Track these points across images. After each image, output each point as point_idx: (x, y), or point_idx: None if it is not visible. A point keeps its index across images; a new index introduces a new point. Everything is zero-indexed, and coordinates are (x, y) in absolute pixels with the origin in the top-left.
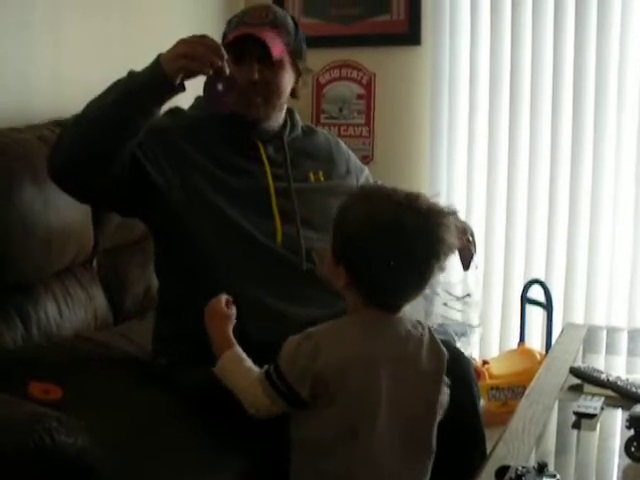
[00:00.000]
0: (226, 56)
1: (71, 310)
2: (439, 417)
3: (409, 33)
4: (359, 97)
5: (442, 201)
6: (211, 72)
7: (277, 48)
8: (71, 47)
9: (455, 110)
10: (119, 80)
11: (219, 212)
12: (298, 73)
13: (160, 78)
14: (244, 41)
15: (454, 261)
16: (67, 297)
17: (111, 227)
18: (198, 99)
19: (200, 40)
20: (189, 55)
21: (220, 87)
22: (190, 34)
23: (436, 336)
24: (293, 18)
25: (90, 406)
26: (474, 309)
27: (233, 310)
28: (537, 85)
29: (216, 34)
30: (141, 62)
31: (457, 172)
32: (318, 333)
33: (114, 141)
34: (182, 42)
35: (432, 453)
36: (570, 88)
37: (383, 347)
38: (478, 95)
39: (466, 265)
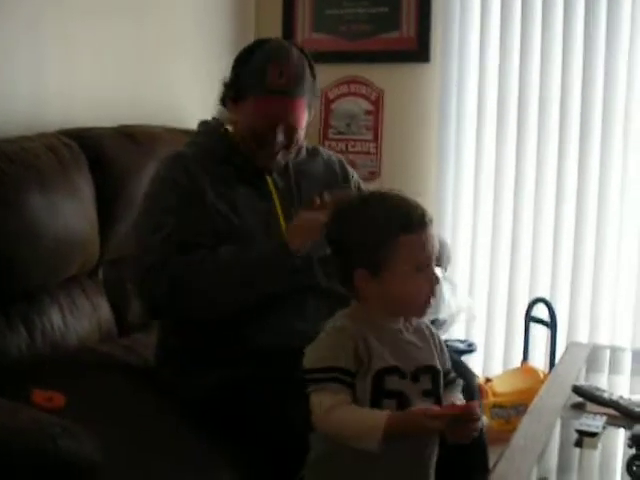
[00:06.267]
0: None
1: (76, 320)
2: None
3: (418, 50)
4: (367, 113)
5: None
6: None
7: (302, 120)
8: (81, 57)
9: (462, 127)
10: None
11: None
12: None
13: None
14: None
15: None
16: (72, 307)
17: (117, 237)
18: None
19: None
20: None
21: None
22: (202, 45)
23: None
24: (307, 55)
25: (93, 413)
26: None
27: None
28: (545, 102)
29: (227, 44)
30: (150, 73)
31: (464, 189)
32: None
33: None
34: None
35: None
36: (578, 106)
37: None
38: (486, 113)
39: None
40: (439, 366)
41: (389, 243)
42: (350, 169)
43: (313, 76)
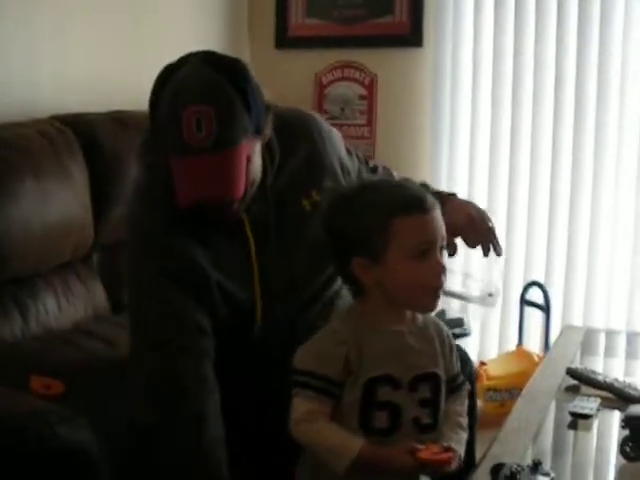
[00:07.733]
0: None
1: (70, 304)
2: None
3: (411, 35)
4: (361, 98)
5: None
6: None
7: (239, 190)
8: (74, 43)
9: (456, 112)
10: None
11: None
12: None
13: None
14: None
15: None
16: (67, 291)
17: (111, 222)
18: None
19: None
20: None
21: None
22: (194, 31)
23: None
24: (237, 68)
25: (91, 400)
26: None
27: None
28: (539, 87)
29: (220, 29)
30: (143, 58)
31: (458, 174)
32: None
33: None
34: None
35: None
36: (572, 90)
37: None
38: (480, 97)
39: (486, 250)
40: (441, 372)
41: (382, 227)
42: (332, 131)
43: (248, 95)
